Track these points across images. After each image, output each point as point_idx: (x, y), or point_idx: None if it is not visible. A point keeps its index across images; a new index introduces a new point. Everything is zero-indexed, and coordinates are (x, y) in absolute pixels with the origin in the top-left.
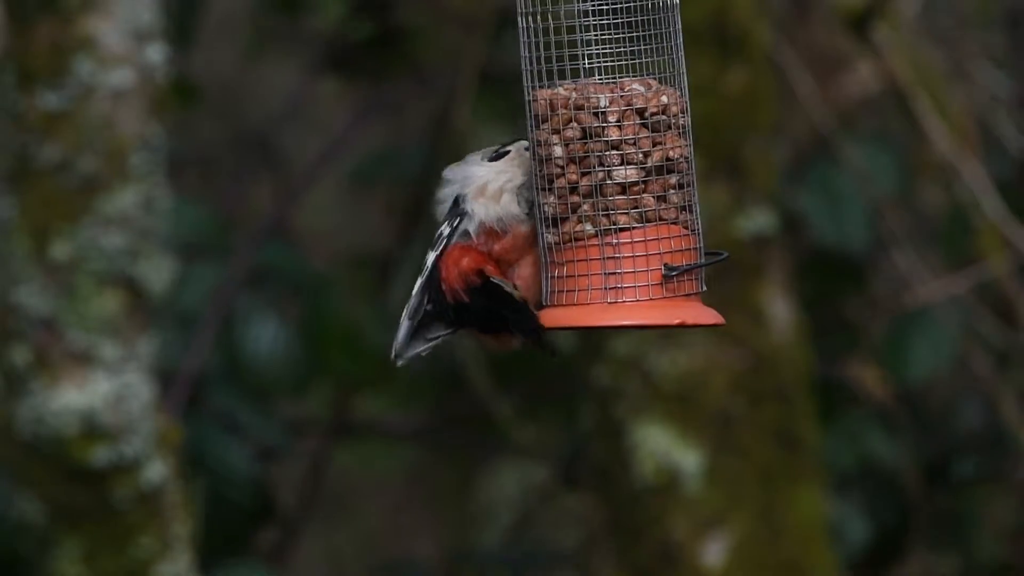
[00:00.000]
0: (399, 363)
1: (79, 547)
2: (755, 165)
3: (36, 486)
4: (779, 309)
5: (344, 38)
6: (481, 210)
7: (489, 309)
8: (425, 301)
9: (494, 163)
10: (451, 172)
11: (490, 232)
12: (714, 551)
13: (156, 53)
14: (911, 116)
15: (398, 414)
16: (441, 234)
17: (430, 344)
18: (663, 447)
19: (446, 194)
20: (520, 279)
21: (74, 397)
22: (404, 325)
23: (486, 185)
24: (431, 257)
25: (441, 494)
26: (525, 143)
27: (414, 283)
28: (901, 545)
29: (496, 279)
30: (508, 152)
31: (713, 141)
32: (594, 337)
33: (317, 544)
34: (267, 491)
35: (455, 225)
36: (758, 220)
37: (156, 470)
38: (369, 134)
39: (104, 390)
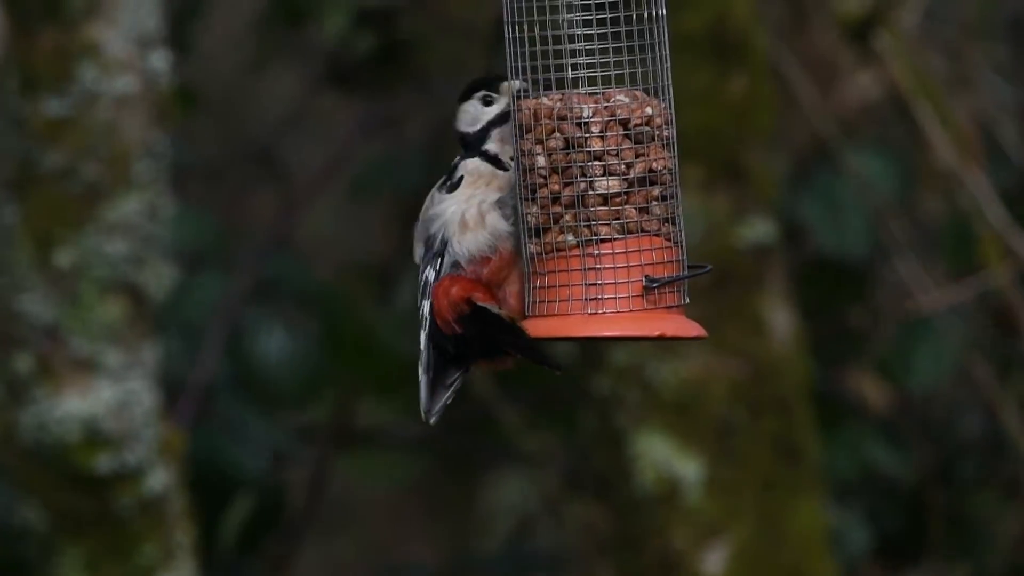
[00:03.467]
0: (432, 420)
1: (82, 555)
2: (755, 173)
3: (39, 493)
4: (779, 318)
5: (347, 50)
6: (471, 243)
7: (484, 334)
8: (431, 348)
9: (454, 193)
10: (418, 226)
11: (482, 258)
12: (714, 560)
13: (160, 60)
14: (913, 124)
15: (401, 422)
16: (427, 280)
17: (451, 390)
18: (663, 456)
19: (417, 238)
20: (513, 296)
21: (77, 404)
22: (423, 382)
23: (463, 216)
24: (426, 307)
25: (443, 502)
26: (465, 162)
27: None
28: (904, 553)
29: (482, 304)
30: (462, 177)
31: (713, 149)
32: (594, 347)
33: (319, 552)
34: (281, 496)
35: (439, 267)
36: (758, 229)
37: (159, 478)
38: (371, 144)
39: (107, 397)
